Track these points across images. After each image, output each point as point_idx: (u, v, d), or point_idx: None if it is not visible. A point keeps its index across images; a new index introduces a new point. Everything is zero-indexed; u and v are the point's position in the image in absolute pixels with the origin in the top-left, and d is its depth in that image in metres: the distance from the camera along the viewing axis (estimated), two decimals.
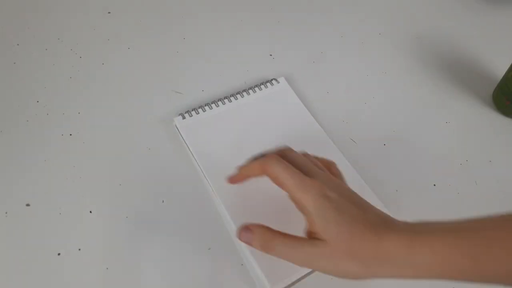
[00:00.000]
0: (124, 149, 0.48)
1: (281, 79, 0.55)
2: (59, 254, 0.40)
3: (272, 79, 0.55)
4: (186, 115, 0.50)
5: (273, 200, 0.44)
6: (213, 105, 0.51)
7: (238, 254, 0.41)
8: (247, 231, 0.35)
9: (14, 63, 0.55)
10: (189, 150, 0.48)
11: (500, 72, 0.59)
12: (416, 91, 0.57)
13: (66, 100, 0.52)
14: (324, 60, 0.60)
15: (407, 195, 0.47)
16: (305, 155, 0.39)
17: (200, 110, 0.51)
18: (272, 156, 0.35)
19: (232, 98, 0.52)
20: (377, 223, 0.32)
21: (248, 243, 0.35)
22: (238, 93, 0.53)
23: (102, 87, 0.54)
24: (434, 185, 0.48)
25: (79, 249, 0.41)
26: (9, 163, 0.46)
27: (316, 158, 0.39)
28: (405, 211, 0.46)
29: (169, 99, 0.53)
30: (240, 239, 0.35)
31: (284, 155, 0.36)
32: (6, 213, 0.43)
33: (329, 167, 0.39)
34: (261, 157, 0.36)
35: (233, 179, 0.40)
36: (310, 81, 0.57)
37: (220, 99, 0.52)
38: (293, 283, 0.40)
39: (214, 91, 0.54)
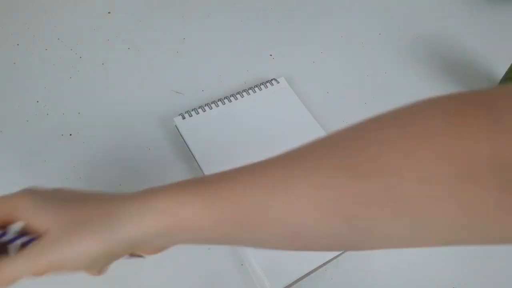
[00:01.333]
0: (124, 149, 0.48)
1: (281, 79, 0.55)
2: None
3: (272, 79, 0.55)
4: (186, 115, 0.50)
5: None
6: (213, 105, 0.51)
7: (238, 254, 0.41)
8: None
9: (14, 63, 0.55)
10: (189, 150, 0.48)
11: (501, 72, 0.59)
12: (416, 91, 0.57)
13: (66, 100, 0.52)
14: (324, 60, 0.60)
15: None
16: None
17: (200, 110, 0.51)
18: None
19: (232, 98, 0.52)
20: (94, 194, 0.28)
21: None
22: (238, 93, 0.53)
23: (102, 87, 0.54)
24: None
25: None
26: (9, 163, 0.46)
27: None
28: None
29: (169, 99, 0.53)
30: None
31: None
32: None
33: None
34: None
35: None
36: (310, 81, 0.57)
37: (220, 99, 0.52)
38: (293, 283, 0.40)
39: (214, 91, 0.54)
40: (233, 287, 0.40)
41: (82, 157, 0.47)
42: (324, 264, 0.41)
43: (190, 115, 0.50)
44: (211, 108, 0.51)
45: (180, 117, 0.50)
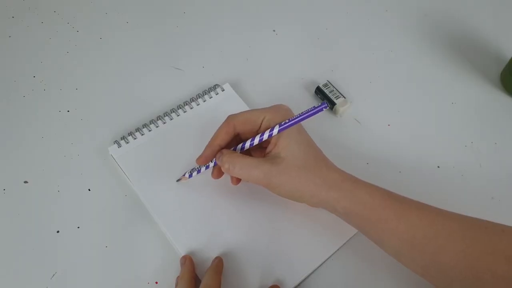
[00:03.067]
0: (122, 125, 0.47)
1: (226, 86, 0.50)
2: (58, 231, 0.40)
3: (215, 85, 0.50)
4: (122, 142, 0.44)
5: (220, 227, 0.41)
6: (152, 125, 0.46)
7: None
8: (219, 154, 0.38)
9: (9, 36, 0.54)
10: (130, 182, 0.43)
11: (509, 52, 0.58)
12: (423, 70, 0.56)
13: (63, 75, 0.51)
14: (328, 37, 0.58)
15: (411, 176, 0.46)
16: None
17: (137, 133, 0.45)
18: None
19: (173, 115, 0.47)
20: (327, 159, 0.38)
21: (220, 164, 0.38)
22: (180, 107, 0.48)
23: (100, 63, 0.53)
24: (438, 166, 0.47)
25: (78, 227, 0.40)
26: (6, 139, 0.46)
27: None
28: (408, 193, 0.45)
29: (168, 75, 0.52)
30: (216, 160, 0.38)
31: None
32: (4, 190, 0.42)
33: None
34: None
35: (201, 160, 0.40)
36: (314, 59, 0.55)
37: (159, 117, 0.46)
38: None
39: (153, 108, 0.48)
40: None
41: (80, 134, 0.47)
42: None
43: (127, 141, 0.44)
44: (150, 130, 0.45)
45: (116, 145, 0.44)
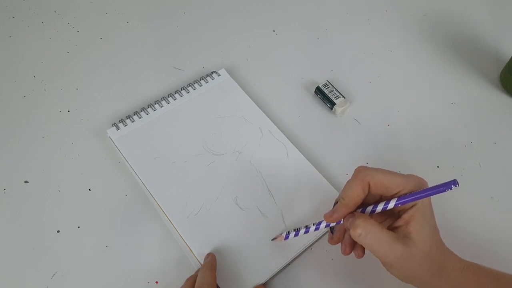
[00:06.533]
0: (123, 125, 0.47)
1: (222, 71, 0.51)
2: (58, 231, 0.40)
3: (212, 72, 0.51)
4: (120, 124, 0.46)
5: (221, 212, 0.42)
6: (149, 109, 0.47)
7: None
8: (350, 215, 0.34)
9: (10, 36, 0.54)
10: (130, 166, 0.44)
11: (509, 52, 0.58)
12: (422, 70, 0.56)
13: (64, 75, 0.51)
14: (328, 37, 0.58)
15: None
16: None
17: (135, 117, 0.47)
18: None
19: (170, 99, 0.48)
20: (442, 241, 0.36)
21: (352, 227, 0.33)
22: (176, 92, 0.49)
23: (100, 62, 0.53)
24: (438, 166, 0.47)
25: (79, 227, 0.40)
26: (6, 139, 0.46)
27: None
28: None
29: (167, 75, 0.52)
30: (345, 222, 0.34)
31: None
32: (4, 189, 0.42)
33: None
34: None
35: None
36: (313, 59, 0.55)
37: (157, 102, 0.48)
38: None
39: (151, 93, 0.51)
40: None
41: (80, 134, 0.47)
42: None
43: (125, 124, 0.46)
44: (147, 113, 0.47)
45: (114, 127, 0.46)
